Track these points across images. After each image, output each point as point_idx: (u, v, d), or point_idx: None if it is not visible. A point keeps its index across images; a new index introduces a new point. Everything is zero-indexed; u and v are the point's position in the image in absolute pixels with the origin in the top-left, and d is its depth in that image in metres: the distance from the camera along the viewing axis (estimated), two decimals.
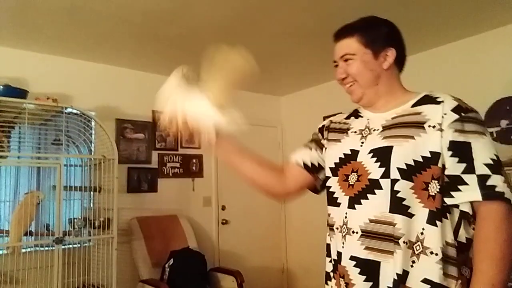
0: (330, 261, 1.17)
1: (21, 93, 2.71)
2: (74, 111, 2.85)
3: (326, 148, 1.24)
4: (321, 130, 1.30)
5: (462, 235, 0.99)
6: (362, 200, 1.06)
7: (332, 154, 1.20)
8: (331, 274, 1.15)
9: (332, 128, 1.25)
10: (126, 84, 3.61)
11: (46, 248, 2.63)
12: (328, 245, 1.18)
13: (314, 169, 1.26)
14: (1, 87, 2.63)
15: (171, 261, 3.08)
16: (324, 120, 1.33)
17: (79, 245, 2.84)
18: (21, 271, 2.57)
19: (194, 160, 3.97)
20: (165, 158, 3.77)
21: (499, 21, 2.81)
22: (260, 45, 3.15)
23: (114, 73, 3.54)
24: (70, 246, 2.75)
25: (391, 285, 0.98)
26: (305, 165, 1.27)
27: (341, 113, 1.32)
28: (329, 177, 1.20)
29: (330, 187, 1.19)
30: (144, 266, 3.18)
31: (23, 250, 2.62)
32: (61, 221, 2.60)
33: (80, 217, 2.82)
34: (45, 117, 2.77)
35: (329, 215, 1.18)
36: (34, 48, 3.07)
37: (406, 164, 1.01)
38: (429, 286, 0.96)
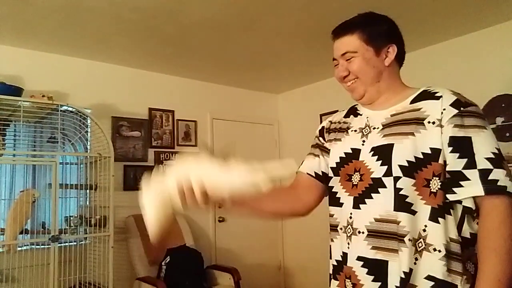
0: (333, 263, 1.15)
1: (16, 91, 2.69)
2: (70, 108, 2.83)
3: (329, 150, 1.22)
4: (321, 133, 1.28)
5: (466, 231, 0.99)
6: (366, 200, 1.05)
7: (333, 154, 1.19)
8: (335, 275, 1.14)
9: (332, 129, 1.24)
10: (122, 81, 3.60)
11: (42, 246, 2.62)
12: (330, 246, 1.17)
13: (324, 177, 1.23)
14: None
15: (168, 259, 3.09)
16: (321, 118, 1.33)
17: (75, 243, 2.83)
18: (17, 270, 2.56)
19: None
20: (162, 155, 3.76)
21: (494, 19, 2.82)
22: (257, 42, 3.15)
23: (110, 70, 3.53)
24: (66, 244, 2.74)
25: (398, 284, 0.97)
26: (316, 175, 1.24)
27: (337, 111, 1.31)
28: (331, 177, 1.18)
29: (332, 187, 1.17)
30: (141, 263, 3.18)
31: (19, 249, 2.61)
32: (57, 219, 2.60)
33: (76, 215, 2.81)
34: (40, 115, 2.76)
35: (332, 215, 1.16)
36: (30, 45, 3.05)
37: (408, 161, 1.00)
38: (433, 282, 0.95)
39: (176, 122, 3.91)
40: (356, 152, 1.11)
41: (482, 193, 0.94)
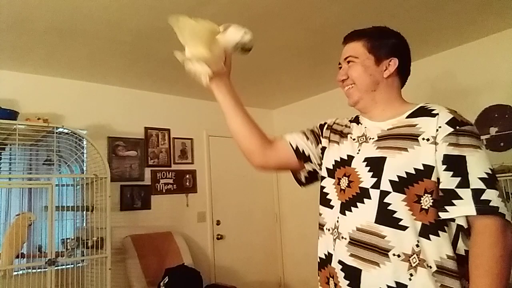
0: (317, 259, 1.18)
1: (12, 114, 2.70)
2: (65, 130, 2.84)
3: (323, 147, 1.24)
4: (321, 126, 1.29)
5: (461, 248, 0.99)
6: (352, 208, 1.07)
7: (330, 156, 1.20)
8: (318, 271, 1.17)
9: (334, 129, 1.26)
10: (117, 102, 3.61)
11: (39, 270, 2.59)
12: (318, 242, 1.19)
13: (303, 156, 1.25)
14: None
15: (166, 279, 3.04)
16: None
17: (72, 266, 2.79)
18: None
19: (187, 176, 3.96)
20: (158, 174, 3.75)
21: (486, 30, 2.87)
22: (251, 58, 3.17)
23: (105, 91, 3.54)
24: (63, 267, 2.71)
25: None
26: (297, 149, 1.26)
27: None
28: (324, 177, 1.20)
29: (324, 187, 1.19)
30: (139, 285, 3.13)
31: (15, 273, 2.57)
32: (54, 242, 2.57)
33: (73, 237, 2.78)
34: (36, 138, 2.76)
35: (320, 214, 1.19)
36: (25, 69, 3.06)
37: (398, 176, 1.01)
38: None
39: (172, 140, 3.92)
40: (349, 159, 1.13)
41: (474, 213, 0.94)
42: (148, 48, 2.81)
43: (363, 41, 1.16)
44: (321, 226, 1.18)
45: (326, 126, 1.28)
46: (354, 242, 1.04)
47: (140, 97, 3.76)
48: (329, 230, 1.13)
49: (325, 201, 1.17)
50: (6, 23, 2.34)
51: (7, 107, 2.74)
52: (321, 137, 1.27)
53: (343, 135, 1.21)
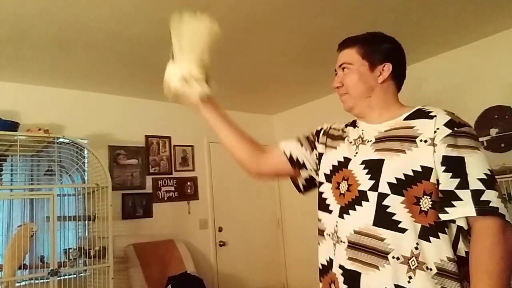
0: (319, 266, 1.17)
1: (12, 126, 2.71)
2: (66, 140, 2.84)
3: (319, 153, 1.24)
4: (318, 133, 1.30)
5: (462, 249, 0.98)
6: (350, 211, 1.07)
7: (327, 161, 1.20)
8: (320, 278, 1.17)
9: (330, 134, 1.26)
10: (118, 110, 3.63)
11: (41, 281, 2.59)
12: (318, 249, 1.19)
13: (297, 164, 1.27)
14: None
15: (169, 287, 3.04)
16: None
17: (75, 276, 2.79)
18: None
19: (188, 183, 3.96)
20: (159, 182, 3.75)
21: (486, 32, 2.87)
22: (250, 65, 3.19)
23: (105, 100, 3.56)
24: (66, 277, 2.70)
25: None
26: (290, 157, 1.28)
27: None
28: (322, 183, 1.20)
29: (322, 193, 1.19)
30: None
31: (17, 284, 2.57)
32: (56, 252, 2.57)
33: (75, 247, 2.78)
34: (37, 148, 2.77)
35: (319, 220, 1.19)
36: (25, 80, 3.08)
37: (397, 178, 1.01)
38: None
39: (173, 148, 3.92)
40: (346, 161, 1.13)
41: (474, 214, 0.94)
42: (147, 57, 2.83)
43: (356, 48, 1.16)
44: (321, 232, 1.17)
45: (322, 131, 1.29)
46: (352, 245, 1.04)
47: (140, 106, 3.77)
48: (329, 235, 1.13)
49: (324, 206, 1.17)
50: (6, 35, 2.36)
51: (8, 118, 2.75)
52: (316, 143, 1.27)
53: (340, 139, 1.22)
